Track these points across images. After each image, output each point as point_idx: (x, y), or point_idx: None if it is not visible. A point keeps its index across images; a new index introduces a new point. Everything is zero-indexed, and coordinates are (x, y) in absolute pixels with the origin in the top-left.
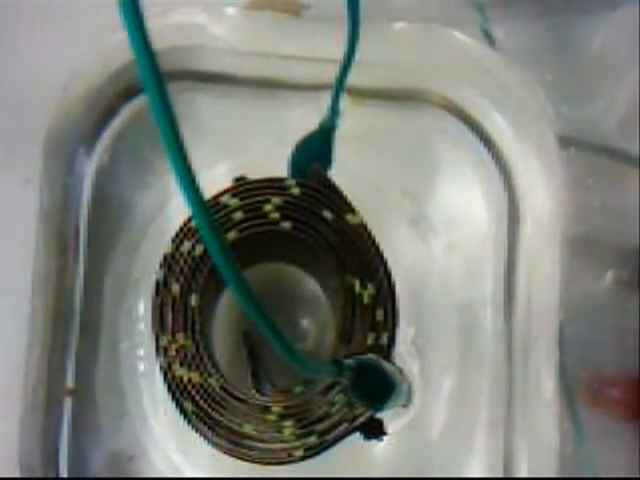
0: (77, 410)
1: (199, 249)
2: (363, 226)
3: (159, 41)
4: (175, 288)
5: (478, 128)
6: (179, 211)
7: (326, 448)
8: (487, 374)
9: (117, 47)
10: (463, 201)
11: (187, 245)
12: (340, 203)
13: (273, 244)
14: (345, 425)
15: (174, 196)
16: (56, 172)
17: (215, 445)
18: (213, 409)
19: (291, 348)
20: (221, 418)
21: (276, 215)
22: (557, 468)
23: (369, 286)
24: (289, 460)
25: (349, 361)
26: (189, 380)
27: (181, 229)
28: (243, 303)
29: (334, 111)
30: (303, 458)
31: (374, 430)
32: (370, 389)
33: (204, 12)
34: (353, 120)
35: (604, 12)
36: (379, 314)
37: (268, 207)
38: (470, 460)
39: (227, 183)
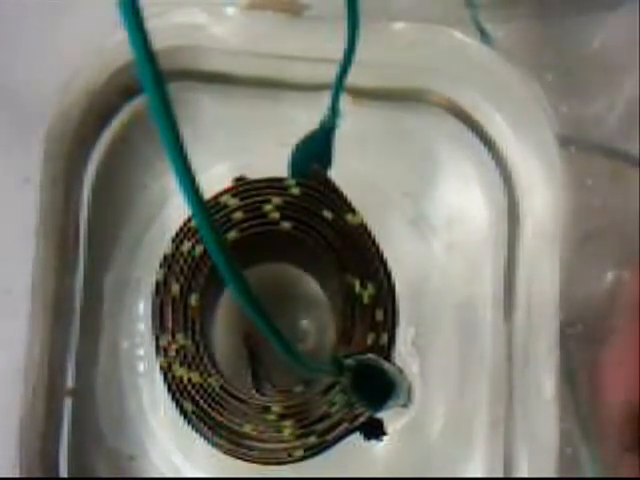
0: (77, 410)
1: (199, 249)
2: (363, 226)
3: (159, 41)
4: (175, 288)
5: (478, 128)
6: (179, 211)
7: (326, 448)
8: (487, 374)
9: (117, 47)
10: (463, 201)
11: (187, 245)
12: (340, 203)
13: (273, 244)
14: (345, 425)
15: (174, 196)
16: (56, 172)
17: (215, 445)
18: (213, 409)
19: (291, 348)
20: (221, 418)
21: (276, 215)
22: (557, 468)
23: (369, 286)
24: (289, 460)
25: (349, 361)
26: (189, 380)
27: (181, 229)
28: (243, 303)
29: (334, 111)
30: (303, 458)
31: (374, 430)
32: (370, 389)
33: (204, 12)
34: (353, 120)
35: (604, 12)
36: (379, 314)
37: (268, 207)
38: (470, 460)
39: (227, 183)
